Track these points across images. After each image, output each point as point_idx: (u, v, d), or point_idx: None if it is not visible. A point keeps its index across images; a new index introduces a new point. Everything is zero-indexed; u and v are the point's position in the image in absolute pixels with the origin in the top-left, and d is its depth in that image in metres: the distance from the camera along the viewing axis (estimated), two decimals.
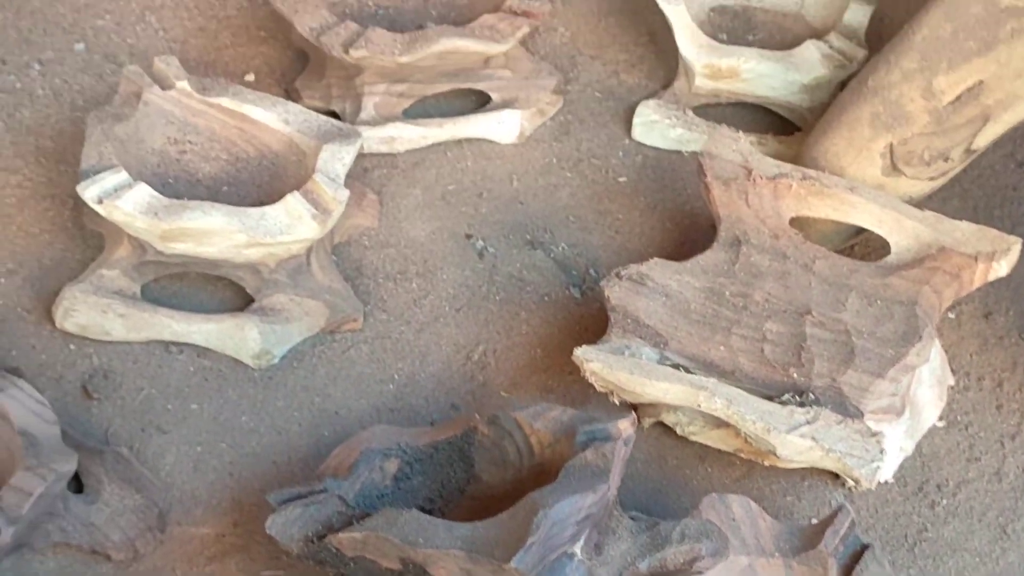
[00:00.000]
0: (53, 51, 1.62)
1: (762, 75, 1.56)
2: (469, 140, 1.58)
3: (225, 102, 1.42)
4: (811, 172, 1.40)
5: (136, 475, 1.27)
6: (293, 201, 1.33)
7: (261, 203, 1.37)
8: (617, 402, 1.29)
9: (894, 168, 1.43)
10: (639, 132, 1.60)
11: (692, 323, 1.31)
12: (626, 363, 1.26)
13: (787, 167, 1.41)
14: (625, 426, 1.17)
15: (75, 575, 1.22)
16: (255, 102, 1.42)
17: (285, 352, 1.38)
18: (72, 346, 1.38)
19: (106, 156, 1.33)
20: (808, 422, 1.22)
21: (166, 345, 1.38)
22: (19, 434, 1.20)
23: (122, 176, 1.31)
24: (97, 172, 1.31)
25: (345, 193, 1.35)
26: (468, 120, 1.57)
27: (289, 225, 1.32)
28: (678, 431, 1.32)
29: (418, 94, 1.58)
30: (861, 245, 1.48)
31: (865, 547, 1.22)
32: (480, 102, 1.61)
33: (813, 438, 1.22)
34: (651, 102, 1.60)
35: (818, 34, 1.60)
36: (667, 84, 1.63)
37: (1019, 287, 1.46)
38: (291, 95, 1.58)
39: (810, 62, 1.55)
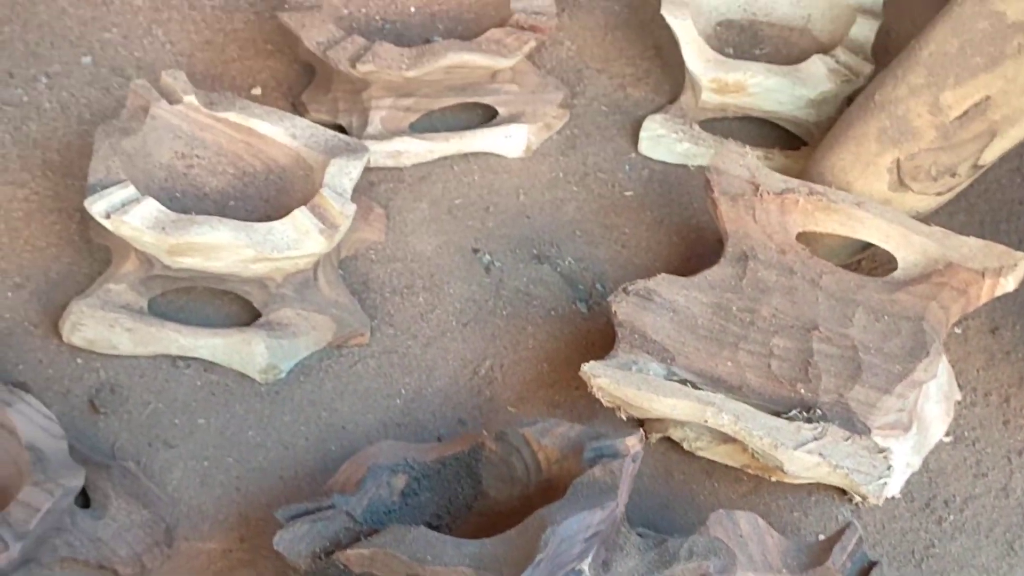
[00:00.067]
0: (60, 64, 1.62)
1: (769, 89, 1.56)
2: (476, 154, 1.58)
3: (232, 116, 1.42)
4: (818, 187, 1.41)
5: (143, 490, 1.27)
6: (300, 216, 1.33)
7: (268, 217, 1.37)
8: (624, 417, 1.29)
9: (901, 183, 1.43)
10: (645, 146, 1.60)
11: (699, 338, 1.31)
12: (633, 378, 1.25)
13: (794, 182, 1.41)
14: (633, 443, 1.17)
15: None
16: (262, 116, 1.42)
17: (292, 367, 1.38)
18: (79, 360, 1.38)
19: (113, 170, 1.33)
20: (815, 438, 1.22)
21: (173, 359, 1.38)
22: (26, 449, 1.20)
23: (130, 190, 1.31)
24: (105, 186, 1.31)
25: (352, 207, 1.35)
26: (475, 134, 1.57)
27: (296, 240, 1.32)
28: (685, 446, 1.33)
29: (425, 108, 1.58)
30: (868, 260, 1.48)
31: (873, 564, 1.22)
32: (487, 116, 1.61)
33: (820, 454, 1.21)
34: (658, 116, 1.60)
35: (825, 48, 1.60)
36: (674, 98, 1.64)
37: None
38: (298, 109, 1.58)
39: (817, 76, 1.55)
